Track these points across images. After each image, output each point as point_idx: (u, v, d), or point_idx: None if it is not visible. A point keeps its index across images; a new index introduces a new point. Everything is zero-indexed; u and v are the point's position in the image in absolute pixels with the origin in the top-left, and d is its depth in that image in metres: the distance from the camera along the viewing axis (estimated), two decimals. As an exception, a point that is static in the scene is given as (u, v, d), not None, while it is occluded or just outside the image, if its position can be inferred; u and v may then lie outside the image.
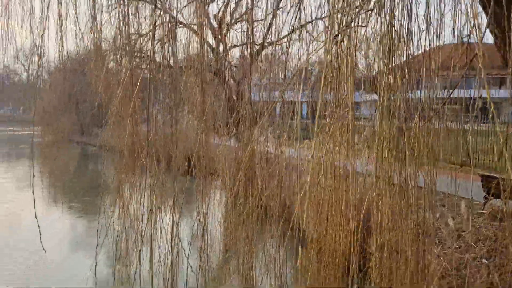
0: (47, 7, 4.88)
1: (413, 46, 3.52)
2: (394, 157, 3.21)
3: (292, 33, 7.46)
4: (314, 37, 7.02)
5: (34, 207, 4.42)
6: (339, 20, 3.15)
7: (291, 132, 5.82)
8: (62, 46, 5.19)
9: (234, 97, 10.19)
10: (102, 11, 6.22)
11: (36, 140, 38.97)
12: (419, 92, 4.21)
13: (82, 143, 33.65)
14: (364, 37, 3.81)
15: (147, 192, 6.74)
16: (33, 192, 4.27)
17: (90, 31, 6.19)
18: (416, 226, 3.53)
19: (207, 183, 4.84)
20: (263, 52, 9.88)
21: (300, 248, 2.57)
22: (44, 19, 4.75)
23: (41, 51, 4.78)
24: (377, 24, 3.27)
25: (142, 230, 6.91)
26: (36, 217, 4.44)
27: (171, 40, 9.35)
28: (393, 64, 3.17)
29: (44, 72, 32.88)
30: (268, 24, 7.70)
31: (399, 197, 3.36)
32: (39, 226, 4.58)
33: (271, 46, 9.24)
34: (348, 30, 3.11)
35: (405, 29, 3.43)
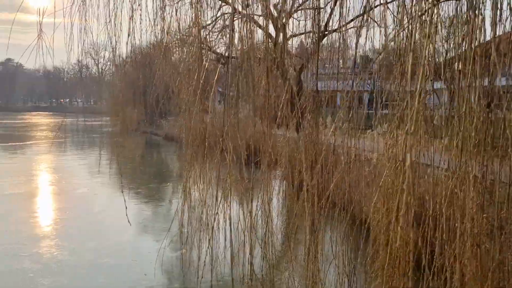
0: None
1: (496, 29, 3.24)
2: (474, 147, 3.02)
3: (357, 19, 7.22)
4: (379, 23, 6.75)
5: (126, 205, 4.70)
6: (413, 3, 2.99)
7: (353, 122, 5.68)
8: (134, 38, 5.44)
9: (295, 87, 10.11)
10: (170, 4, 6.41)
11: (106, 129, 41.57)
12: (503, 79, 3.90)
13: (148, 132, 35.29)
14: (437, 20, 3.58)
15: (213, 180, 6.94)
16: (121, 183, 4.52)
17: (160, 22, 6.40)
18: (497, 220, 3.32)
19: (270, 172, 4.87)
20: (325, 40, 9.66)
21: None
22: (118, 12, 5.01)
23: (115, 45, 5.05)
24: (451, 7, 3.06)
25: (206, 217, 7.15)
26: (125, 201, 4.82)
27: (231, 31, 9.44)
28: (473, 49, 2.96)
29: (113, 66, 34.78)
30: (330, 10, 7.52)
31: (479, 190, 3.17)
32: (126, 207, 4.99)
33: (334, 34, 9.02)
34: (427, 12, 2.92)
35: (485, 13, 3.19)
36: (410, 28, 3.23)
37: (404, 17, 3.48)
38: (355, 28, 7.77)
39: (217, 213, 6.54)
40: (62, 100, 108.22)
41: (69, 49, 5.18)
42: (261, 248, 4.53)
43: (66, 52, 5.34)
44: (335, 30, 7.40)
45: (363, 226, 4.68)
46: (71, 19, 5.00)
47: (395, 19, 5.48)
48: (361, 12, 5.98)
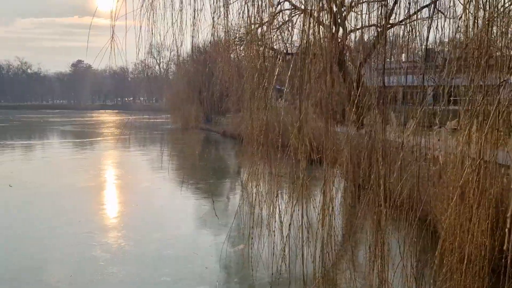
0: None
1: None
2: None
3: (421, 12, 6.90)
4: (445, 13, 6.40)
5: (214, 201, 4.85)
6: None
7: (416, 119, 5.44)
8: (197, 37, 5.59)
9: (354, 83, 9.86)
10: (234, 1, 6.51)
11: (166, 126, 43.23)
12: None
13: (206, 130, 36.21)
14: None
15: (272, 177, 6.96)
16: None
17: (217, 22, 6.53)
18: None
19: (331, 171, 4.79)
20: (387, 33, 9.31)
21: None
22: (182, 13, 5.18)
23: (180, 44, 5.24)
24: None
25: (262, 214, 7.20)
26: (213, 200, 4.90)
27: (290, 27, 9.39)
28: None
29: (173, 65, 36.03)
30: (394, 2, 7.24)
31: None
32: (213, 201, 5.09)
33: (396, 27, 8.67)
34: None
35: None
36: (486, 19, 3.02)
37: (480, 8, 3.26)
38: (420, 20, 7.43)
39: (278, 210, 6.56)
40: (126, 99, 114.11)
41: (137, 50, 5.43)
42: (323, 246, 4.46)
43: (135, 53, 5.60)
44: (400, 22, 7.12)
45: (430, 227, 4.48)
46: (140, 21, 5.23)
47: (466, 10, 5.17)
48: (428, 2, 5.70)
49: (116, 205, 12.33)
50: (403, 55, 7.84)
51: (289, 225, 6.50)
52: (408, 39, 5.44)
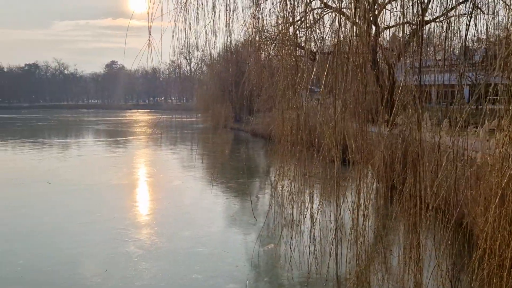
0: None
1: None
2: None
3: (457, 8, 6.68)
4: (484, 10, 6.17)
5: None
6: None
7: (451, 118, 5.28)
8: (229, 37, 5.65)
9: (387, 82, 9.67)
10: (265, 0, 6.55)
11: (197, 126, 43.80)
12: None
13: (236, 129, 36.42)
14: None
15: (302, 177, 6.94)
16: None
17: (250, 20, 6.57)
18: None
19: (363, 171, 4.72)
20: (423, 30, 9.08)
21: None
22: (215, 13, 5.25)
23: (214, 45, 5.31)
24: None
25: (293, 214, 7.17)
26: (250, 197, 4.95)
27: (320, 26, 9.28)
28: None
29: (203, 65, 36.46)
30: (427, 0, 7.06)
31: None
32: (251, 202, 5.12)
33: (431, 24, 8.44)
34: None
35: None
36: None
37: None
38: (457, 17, 7.19)
39: (310, 212, 6.53)
40: (158, 99, 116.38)
41: (171, 51, 5.53)
42: (356, 246, 4.40)
43: (169, 53, 5.71)
44: (434, 20, 6.93)
45: (467, 230, 4.35)
46: (174, 22, 5.33)
47: (507, 6, 4.97)
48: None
49: (149, 202, 12.61)
50: (439, 53, 7.63)
51: (312, 223, 6.46)
52: (445, 36, 5.26)
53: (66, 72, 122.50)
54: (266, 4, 7.11)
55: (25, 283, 6.54)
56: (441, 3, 6.36)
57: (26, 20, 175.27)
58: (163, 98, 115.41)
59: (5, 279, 6.73)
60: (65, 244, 8.43)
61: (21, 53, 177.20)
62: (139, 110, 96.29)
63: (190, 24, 5.53)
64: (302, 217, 7.20)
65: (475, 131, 7.23)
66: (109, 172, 16.81)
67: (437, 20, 7.22)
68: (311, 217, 6.67)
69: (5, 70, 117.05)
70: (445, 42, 5.02)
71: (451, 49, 7.51)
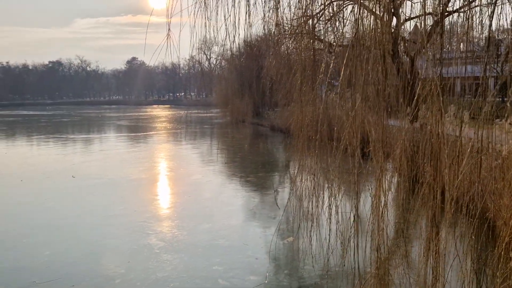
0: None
1: None
2: None
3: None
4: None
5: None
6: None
7: (475, 112, 5.16)
8: (249, 32, 5.68)
9: (409, 75, 9.52)
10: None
11: (216, 121, 44.04)
12: None
13: (255, 123, 36.46)
14: None
15: (321, 171, 6.93)
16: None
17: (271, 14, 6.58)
18: None
19: (382, 165, 4.67)
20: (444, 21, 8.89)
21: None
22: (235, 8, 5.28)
23: (233, 39, 5.35)
24: None
25: (312, 208, 7.17)
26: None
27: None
28: None
29: (222, 60, 36.59)
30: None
31: None
32: (276, 192, 5.17)
33: (453, 15, 8.25)
34: None
35: None
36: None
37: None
38: (479, 8, 6.99)
39: (329, 206, 6.52)
40: (178, 94, 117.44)
41: (191, 46, 5.58)
42: (375, 240, 4.38)
43: (189, 49, 5.77)
44: (457, 10, 6.78)
45: (490, 224, 4.27)
46: (194, 17, 5.37)
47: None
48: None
49: (169, 196, 12.79)
50: (462, 44, 7.45)
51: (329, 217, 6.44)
52: (468, 27, 5.15)
53: (88, 69, 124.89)
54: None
55: (52, 273, 6.75)
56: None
57: (48, 19, 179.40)
58: (182, 93, 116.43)
59: (33, 268, 6.97)
60: (89, 236, 8.66)
61: (45, 50, 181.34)
62: (159, 105, 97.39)
63: (209, 19, 5.57)
64: (321, 210, 7.21)
65: (501, 123, 7.07)
66: (131, 167, 17.11)
67: (461, 10, 7.06)
68: (330, 210, 6.66)
69: (30, 67, 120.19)
70: (467, 33, 4.89)
71: (476, 40, 7.33)
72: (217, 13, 5.79)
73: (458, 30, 7.81)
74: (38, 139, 29.92)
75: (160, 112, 68.80)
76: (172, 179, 15.25)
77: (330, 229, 6.68)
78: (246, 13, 5.83)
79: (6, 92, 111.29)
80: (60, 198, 11.88)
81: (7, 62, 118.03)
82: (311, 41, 7.25)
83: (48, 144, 26.32)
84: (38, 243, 8.17)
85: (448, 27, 8.80)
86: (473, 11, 6.87)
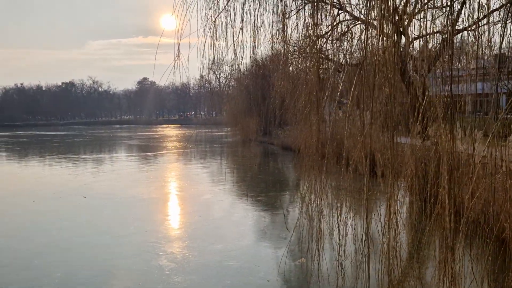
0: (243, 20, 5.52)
1: None
2: None
3: (490, 16, 6.51)
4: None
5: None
6: None
7: (487, 129, 5.12)
8: (255, 53, 5.77)
9: (418, 93, 9.52)
10: (290, 16, 6.67)
11: (226, 140, 44.20)
12: None
13: (265, 142, 36.52)
14: None
15: (330, 190, 6.89)
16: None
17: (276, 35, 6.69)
18: None
19: (394, 184, 4.64)
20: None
21: None
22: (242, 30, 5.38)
23: (241, 59, 5.45)
24: None
25: (323, 228, 7.10)
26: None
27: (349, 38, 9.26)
28: None
29: (231, 79, 36.97)
30: (460, 7, 6.95)
31: None
32: (284, 214, 5.14)
33: (462, 34, 8.26)
34: None
35: None
36: None
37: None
38: (490, 25, 6.98)
39: (337, 224, 6.44)
40: (188, 113, 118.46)
41: (201, 66, 5.68)
42: (387, 261, 4.31)
43: (198, 69, 5.88)
44: (466, 29, 6.79)
45: (507, 245, 4.18)
46: (204, 39, 5.48)
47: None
48: (499, 6, 5.37)
49: (180, 216, 12.78)
50: (473, 61, 7.45)
51: (339, 237, 6.35)
52: (477, 45, 5.16)
53: (100, 89, 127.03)
54: (290, 19, 7.21)
55: (62, 295, 6.75)
56: (471, 13, 6.25)
57: (61, 41, 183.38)
58: (193, 112, 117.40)
59: (44, 290, 6.97)
60: (100, 256, 8.66)
61: (58, 71, 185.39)
62: (169, 125, 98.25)
63: (218, 40, 5.68)
64: (331, 231, 7.12)
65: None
66: (141, 186, 17.18)
67: (470, 29, 7.08)
68: (339, 231, 6.59)
69: (44, 88, 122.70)
70: (477, 51, 4.91)
71: (486, 57, 7.32)
72: (226, 36, 5.90)
73: (468, 48, 7.83)
74: (50, 159, 30.29)
75: (171, 132, 69.37)
76: (182, 199, 15.26)
77: (342, 250, 6.59)
78: (253, 34, 5.93)
79: (21, 113, 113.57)
80: (71, 218, 11.94)
81: (22, 84, 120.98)
82: (319, 60, 7.30)
83: (61, 164, 26.61)
84: (50, 264, 8.19)
85: (458, 44, 8.81)
86: (482, 30, 6.87)
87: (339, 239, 6.41)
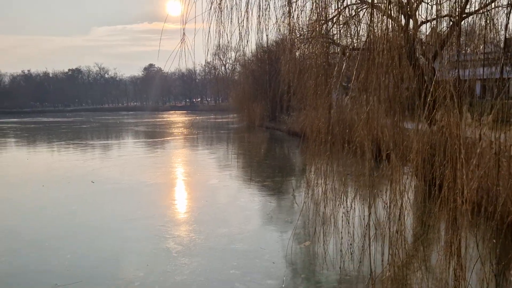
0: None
1: None
2: None
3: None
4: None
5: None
6: None
7: (496, 113, 5.09)
8: (261, 37, 5.75)
9: (426, 77, 9.43)
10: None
11: (232, 126, 44.25)
12: None
13: (271, 128, 36.49)
14: None
15: (336, 174, 6.92)
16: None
17: (283, 20, 6.65)
18: None
19: (399, 168, 4.66)
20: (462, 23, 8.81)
21: None
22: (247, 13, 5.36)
23: (246, 43, 5.43)
24: None
25: (328, 212, 7.17)
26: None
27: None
28: None
29: (238, 65, 36.81)
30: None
31: None
32: (293, 195, 5.20)
33: (469, 18, 8.16)
34: None
35: None
36: None
37: None
38: (498, 9, 6.91)
39: (345, 210, 6.49)
40: (194, 100, 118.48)
41: (206, 51, 5.67)
42: (392, 244, 4.36)
43: (204, 54, 5.87)
44: (476, 12, 6.71)
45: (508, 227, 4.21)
46: (209, 23, 5.46)
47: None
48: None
49: (186, 200, 12.92)
50: (481, 46, 7.36)
51: (346, 221, 6.41)
52: (486, 29, 5.11)
53: (106, 76, 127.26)
54: (297, 3, 7.14)
55: (73, 275, 6.90)
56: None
57: (67, 28, 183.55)
58: (199, 99, 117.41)
59: (56, 271, 7.14)
60: (109, 240, 8.82)
61: (65, 58, 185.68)
62: (176, 111, 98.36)
63: (223, 24, 5.65)
64: (337, 215, 7.19)
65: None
66: (148, 172, 17.33)
67: (478, 12, 6.98)
68: (346, 214, 6.65)
69: (51, 75, 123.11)
70: (484, 35, 4.86)
71: (495, 41, 7.22)
72: (231, 20, 5.87)
73: (476, 32, 7.73)
74: (58, 145, 30.56)
75: (177, 118, 69.48)
76: (189, 184, 15.39)
77: (347, 233, 6.66)
78: (259, 17, 5.89)
79: (28, 100, 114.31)
80: (81, 203, 12.12)
81: (29, 70, 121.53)
82: (325, 45, 7.27)
83: (68, 150, 26.86)
84: (60, 246, 8.36)
85: (466, 28, 8.70)
86: (492, 13, 6.78)
87: (347, 220, 6.47)
